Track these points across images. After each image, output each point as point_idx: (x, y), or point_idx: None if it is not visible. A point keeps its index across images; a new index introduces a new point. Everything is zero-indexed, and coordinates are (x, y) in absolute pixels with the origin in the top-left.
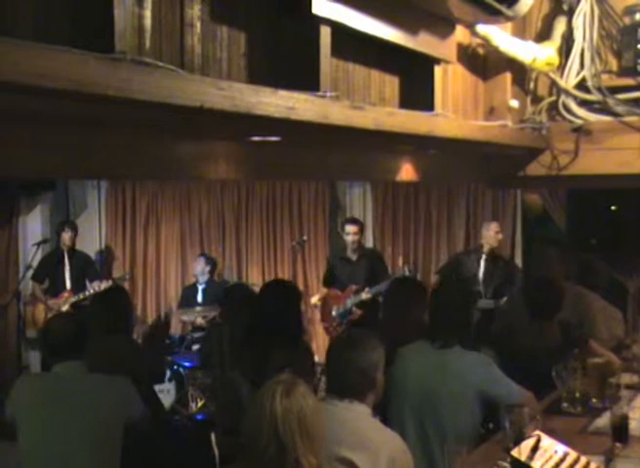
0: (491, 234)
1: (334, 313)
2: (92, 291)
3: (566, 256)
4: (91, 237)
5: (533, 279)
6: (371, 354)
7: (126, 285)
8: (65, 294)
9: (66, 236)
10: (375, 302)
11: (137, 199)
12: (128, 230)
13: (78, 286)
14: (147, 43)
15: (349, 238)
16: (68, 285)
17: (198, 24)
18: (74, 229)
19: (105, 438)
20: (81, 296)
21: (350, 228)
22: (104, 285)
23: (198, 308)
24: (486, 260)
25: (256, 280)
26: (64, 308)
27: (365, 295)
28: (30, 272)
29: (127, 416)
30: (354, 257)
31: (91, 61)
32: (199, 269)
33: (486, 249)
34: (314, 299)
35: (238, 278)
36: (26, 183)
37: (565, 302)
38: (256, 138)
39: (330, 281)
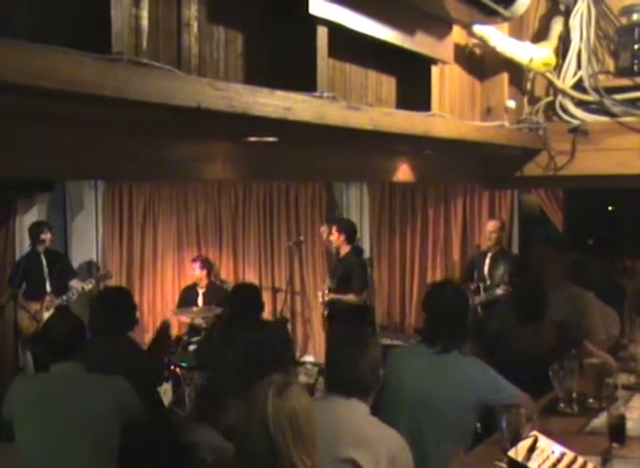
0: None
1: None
2: (75, 292)
3: (563, 257)
4: (88, 238)
5: (518, 281)
6: (375, 351)
7: (110, 283)
8: (47, 298)
9: (46, 237)
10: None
11: (133, 199)
12: (125, 231)
13: (58, 287)
14: (144, 43)
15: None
16: (48, 287)
17: (195, 25)
18: (51, 229)
19: (103, 438)
20: (64, 298)
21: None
22: (88, 285)
23: (195, 309)
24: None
25: (252, 280)
26: (49, 313)
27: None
28: None
29: (125, 416)
30: (340, 255)
31: (88, 62)
32: (197, 275)
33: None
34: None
35: (235, 279)
36: (23, 184)
37: (562, 303)
38: (253, 139)
39: None
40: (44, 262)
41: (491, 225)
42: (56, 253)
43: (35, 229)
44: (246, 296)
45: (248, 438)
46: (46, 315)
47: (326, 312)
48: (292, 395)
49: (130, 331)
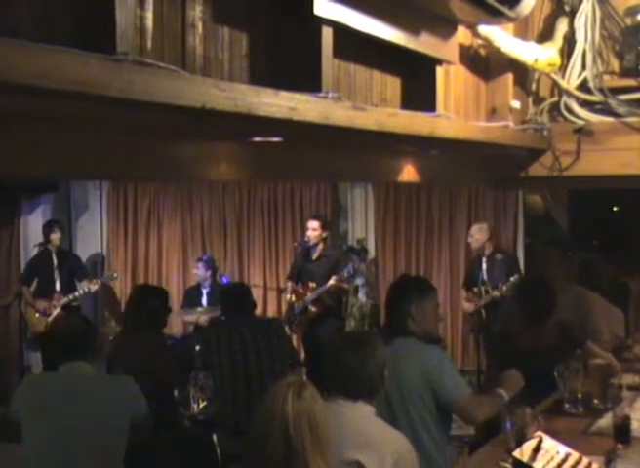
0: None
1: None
2: (82, 292)
3: (568, 257)
4: (92, 238)
5: (525, 280)
6: (382, 352)
7: (116, 283)
8: (56, 296)
9: (55, 236)
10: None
11: (138, 200)
12: (129, 231)
13: (68, 287)
14: (149, 44)
15: (308, 233)
16: (58, 286)
17: (200, 25)
18: (62, 229)
19: (110, 437)
20: (71, 297)
21: (310, 224)
22: (94, 285)
23: (200, 309)
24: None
25: (257, 281)
26: (56, 311)
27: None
28: None
29: (132, 416)
30: (315, 255)
31: (92, 62)
32: (201, 275)
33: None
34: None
35: (239, 279)
36: (28, 185)
37: (567, 303)
38: (257, 139)
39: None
40: (54, 261)
41: (475, 229)
42: (66, 253)
43: (46, 228)
44: (235, 296)
45: (266, 439)
46: (54, 312)
47: (314, 309)
48: (310, 397)
49: (160, 330)
